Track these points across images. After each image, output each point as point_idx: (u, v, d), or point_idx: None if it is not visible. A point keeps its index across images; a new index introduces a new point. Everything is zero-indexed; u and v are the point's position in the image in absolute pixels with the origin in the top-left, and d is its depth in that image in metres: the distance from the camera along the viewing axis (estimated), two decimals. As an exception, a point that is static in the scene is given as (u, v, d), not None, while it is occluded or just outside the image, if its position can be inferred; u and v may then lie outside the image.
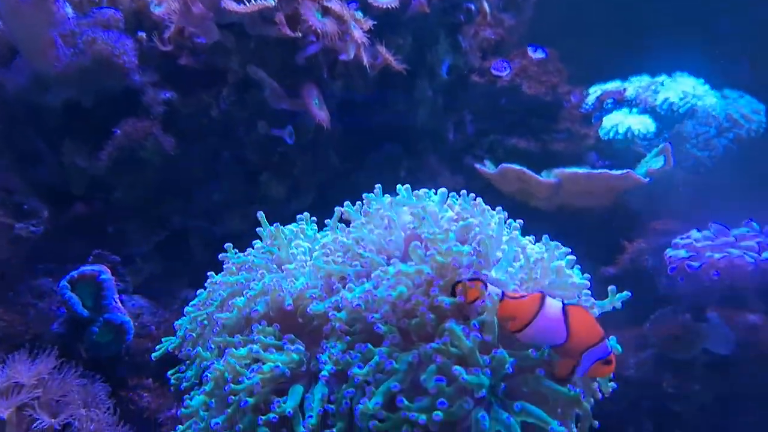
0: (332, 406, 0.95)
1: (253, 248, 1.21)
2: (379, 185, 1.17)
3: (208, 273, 1.20)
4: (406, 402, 0.88)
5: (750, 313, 1.60)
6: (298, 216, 1.29)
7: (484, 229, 1.05)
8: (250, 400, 0.95)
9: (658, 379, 1.64)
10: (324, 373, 0.95)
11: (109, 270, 1.46)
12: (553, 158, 2.27)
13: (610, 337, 1.03)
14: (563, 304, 0.95)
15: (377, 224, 1.10)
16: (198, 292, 1.21)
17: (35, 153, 1.71)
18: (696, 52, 2.58)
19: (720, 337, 1.56)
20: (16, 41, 1.63)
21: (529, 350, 0.94)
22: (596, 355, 0.94)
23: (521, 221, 1.17)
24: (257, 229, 1.22)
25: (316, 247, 1.15)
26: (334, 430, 0.93)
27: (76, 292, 1.40)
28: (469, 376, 0.88)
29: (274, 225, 1.20)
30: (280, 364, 0.96)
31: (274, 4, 1.61)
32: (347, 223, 1.17)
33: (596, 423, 1.03)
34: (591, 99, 2.46)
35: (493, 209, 1.14)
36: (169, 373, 1.17)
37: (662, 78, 2.49)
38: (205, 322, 1.13)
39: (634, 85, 2.48)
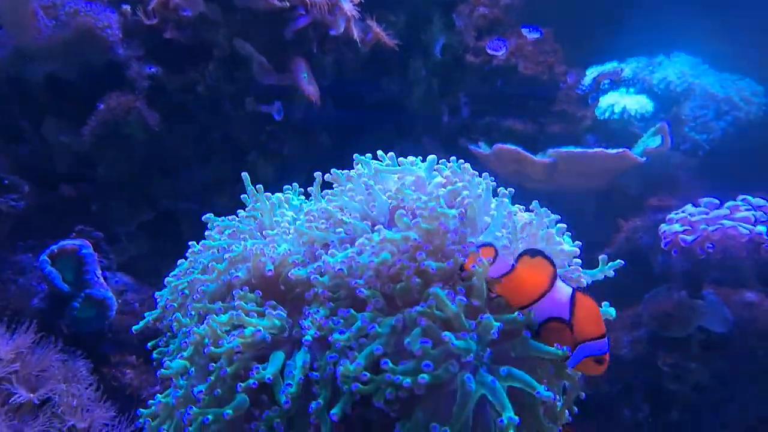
0: (316, 374, 0.92)
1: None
2: (380, 151, 1.13)
3: (189, 243, 1.17)
4: (390, 364, 0.85)
5: (747, 290, 1.57)
6: (285, 186, 1.26)
7: (473, 193, 1.02)
8: (229, 369, 0.92)
9: (653, 359, 1.61)
10: (307, 337, 0.92)
11: (91, 245, 1.43)
12: (549, 140, 2.23)
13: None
14: (573, 289, 0.92)
15: (359, 191, 1.07)
16: (179, 262, 1.18)
17: (17, 128, 1.68)
18: (701, 35, 2.52)
19: (716, 315, 1.53)
20: (-4, 13, 1.59)
21: (516, 313, 0.91)
22: (591, 350, 0.90)
23: (512, 189, 1.14)
24: (242, 196, 1.18)
25: (301, 216, 1.12)
26: (320, 399, 0.90)
27: (57, 267, 1.37)
28: (458, 341, 0.85)
29: (257, 186, 1.17)
30: (261, 329, 0.93)
31: (261, -26, 1.58)
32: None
33: (583, 394, 1.00)
34: (588, 80, 2.42)
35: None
36: (149, 344, 1.14)
37: (660, 58, 2.46)
38: (186, 291, 1.10)
39: (631, 66, 2.44)
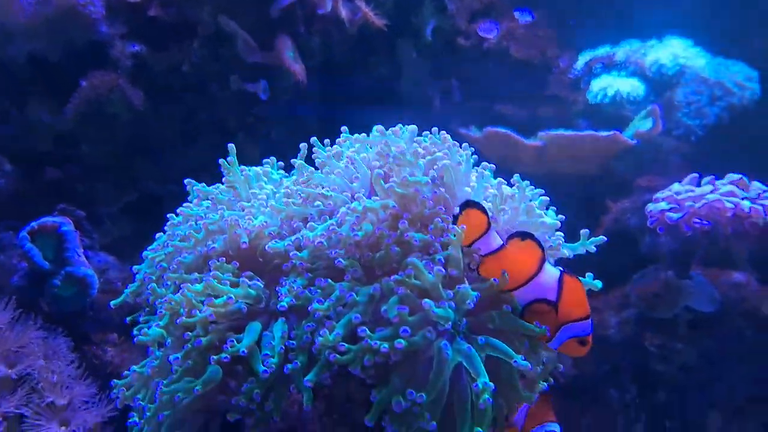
0: (293, 341, 0.91)
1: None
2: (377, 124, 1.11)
3: (168, 215, 1.15)
4: (367, 331, 0.84)
5: (735, 271, 1.56)
6: (264, 159, 1.25)
7: (453, 161, 1.00)
8: (204, 340, 0.91)
9: (640, 339, 1.60)
10: (283, 304, 0.91)
11: (72, 223, 1.41)
12: (541, 125, 2.22)
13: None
14: (561, 271, 0.92)
15: (339, 165, 1.05)
16: (157, 236, 1.17)
17: (-1, 108, 1.65)
18: (693, 18, 2.50)
19: (704, 295, 1.52)
20: (-24, -10, 1.57)
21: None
22: (574, 330, 0.91)
23: (494, 165, 1.13)
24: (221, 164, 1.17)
25: (281, 190, 1.11)
26: (297, 362, 0.89)
27: (37, 245, 1.35)
28: (437, 309, 0.84)
29: (228, 158, 1.15)
30: (233, 296, 0.92)
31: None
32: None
33: (561, 366, 0.99)
34: (580, 64, 2.41)
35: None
36: (128, 319, 1.12)
37: (652, 42, 2.43)
38: (164, 264, 1.09)
39: (623, 49, 2.42)
